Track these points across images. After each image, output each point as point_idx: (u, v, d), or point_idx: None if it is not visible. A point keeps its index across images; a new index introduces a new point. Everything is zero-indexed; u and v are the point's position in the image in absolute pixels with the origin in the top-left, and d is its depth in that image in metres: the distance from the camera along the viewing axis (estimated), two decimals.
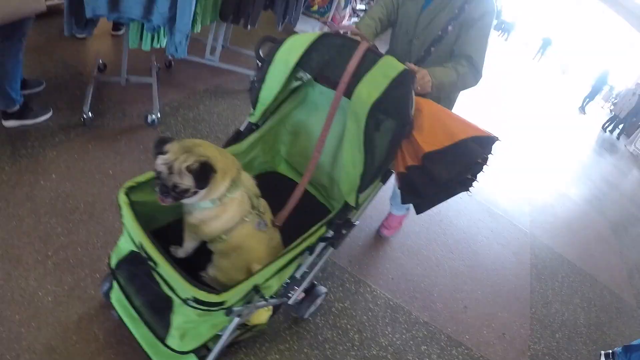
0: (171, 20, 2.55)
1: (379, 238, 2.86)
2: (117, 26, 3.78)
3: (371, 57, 1.47)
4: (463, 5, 1.82)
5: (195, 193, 1.29)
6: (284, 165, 2.07)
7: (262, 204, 1.53)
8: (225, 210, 1.38)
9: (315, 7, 5.36)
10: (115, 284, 1.54)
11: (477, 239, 3.38)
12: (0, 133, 2.39)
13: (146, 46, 2.83)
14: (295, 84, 1.75)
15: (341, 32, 1.66)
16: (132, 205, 1.32)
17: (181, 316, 1.29)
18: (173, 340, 1.34)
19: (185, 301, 1.19)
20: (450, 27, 1.85)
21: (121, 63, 2.93)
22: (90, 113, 2.64)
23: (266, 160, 2.00)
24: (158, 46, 2.85)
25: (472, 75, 1.85)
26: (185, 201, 1.33)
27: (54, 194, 2.15)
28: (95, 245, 1.98)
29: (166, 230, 1.58)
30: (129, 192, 1.36)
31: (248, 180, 1.49)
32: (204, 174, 1.26)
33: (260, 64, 1.66)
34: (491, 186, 4.24)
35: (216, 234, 1.42)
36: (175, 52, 2.71)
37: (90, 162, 2.42)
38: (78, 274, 1.84)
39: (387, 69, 1.43)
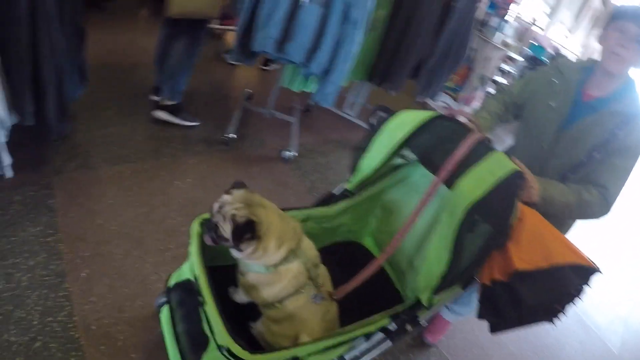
0: (327, 71, 2.73)
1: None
2: (267, 62, 4.17)
3: (481, 150, 1.35)
4: (614, 130, 1.55)
5: (232, 247, 1.29)
6: (369, 239, 2.01)
7: (322, 273, 1.46)
8: (279, 280, 1.33)
9: (451, 84, 5.25)
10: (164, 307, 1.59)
11: (565, 348, 3.12)
12: (151, 129, 2.81)
13: (295, 88, 3.08)
14: (398, 161, 1.75)
15: (456, 117, 1.58)
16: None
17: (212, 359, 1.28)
18: None
19: (219, 347, 1.18)
20: (596, 154, 1.59)
21: (267, 96, 3.25)
22: (233, 134, 2.98)
23: (352, 230, 1.94)
24: (306, 90, 3.07)
25: (598, 207, 1.57)
26: (234, 254, 1.34)
27: (185, 196, 2.47)
28: None
29: (232, 268, 1.53)
30: (204, 222, 1.39)
31: (309, 250, 1.43)
32: (241, 231, 1.24)
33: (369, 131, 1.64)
34: (589, 295, 3.81)
35: (268, 301, 1.38)
36: (322, 101, 2.87)
37: (223, 178, 2.69)
38: None
39: (496, 166, 1.30)
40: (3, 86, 1.90)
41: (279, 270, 1.32)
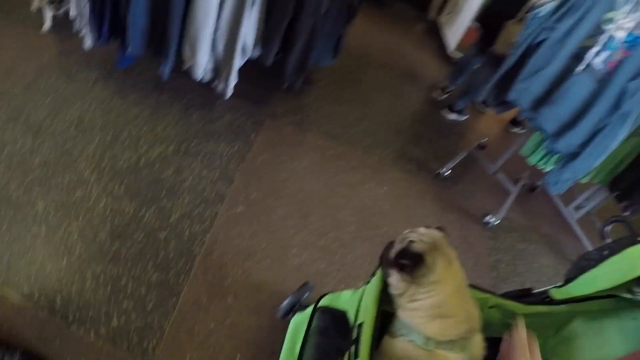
0: (573, 155, 2.33)
1: None
2: (516, 123, 3.77)
3: None
4: None
5: (386, 267, 1.08)
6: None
7: None
8: None
9: None
10: (302, 317, 1.41)
11: None
12: (371, 126, 2.70)
13: (533, 160, 2.68)
14: (625, 295, 1.28)
15: None
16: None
17: None
18: None
19: None
20: None
21: (500, 155, 2.91)
22: (448, 171, 2.77)
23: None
24: (542, 167, 2.65)
25: None
26: (392, 289, 1.08)
27: (369, 201, 2.30)
28: (364, 267, 1.98)
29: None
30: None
31: (478, 347, 1.12)
32: (404, 256, 1.03)
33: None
34: None
35: None
36: (554, 186, 2.46)
37: (415, 207, 2.49)
38: (333, 269, 1.90)
39: None
40: (259, 22, 2.02)
41: (437, 353, 1.02)
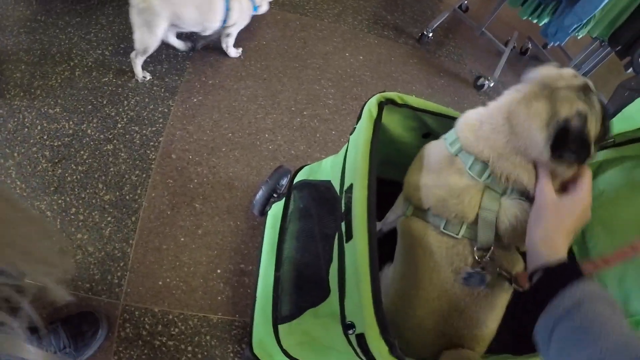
0: (571, 0, 2.04)
1: None
2: None
3: None
4: None
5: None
6: None
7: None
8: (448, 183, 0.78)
9: None
10: (279, 206, 1.15)
11: None
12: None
13: (523, 14, 2.35)
14: None
15: None
16: (377, 127, 0.82)
17: (317, 324, 0.84)
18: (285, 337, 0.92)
19: (346, 324, 0.71)
20: None
21: (485, 14, 2.59)
22: (430, 35, 2.45)
23: None
24: (534, 21, 2.33)
25: None
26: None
27: (348, 71, 2.05)
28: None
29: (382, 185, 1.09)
30: (384, 105, 0.86)
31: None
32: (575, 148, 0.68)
33: None
34: None
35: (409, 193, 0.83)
36: (553, 37, 2.17)
37: (400, 73, 2.22)
38: (314, 151, 1.67)
39: None
40: None
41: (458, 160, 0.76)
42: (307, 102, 1.79)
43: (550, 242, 0.67)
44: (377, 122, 0.81)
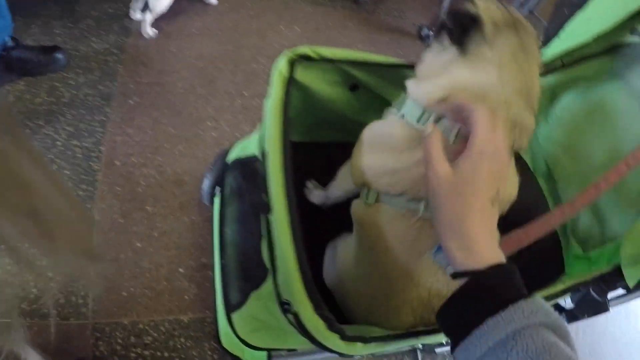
0: None
1: None
2: None
3: None
4: None
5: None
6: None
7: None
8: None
9: None
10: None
11: None
12: None
13: None
14: (627, 39, 0.98)
15: None
16: (291, 86, 0.79)
17: (261, 307, 0.81)
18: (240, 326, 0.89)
19: (282, 302, 0.68)
20: None
21: None
22: None
23: None
24: None
25: None
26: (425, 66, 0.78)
27: (285, 44, 1.98)
28: None
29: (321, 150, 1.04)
30: (297, 63, 0.82)
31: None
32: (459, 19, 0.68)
33: None
34: None
35: (364, 179, 0.77)
36: None
37: (340, 38, 2.19)
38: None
39: None
40: None
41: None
42: (246, 82, 1.75)
43: (461, 240, 0.49)
44: (291, 82, 0.79)
